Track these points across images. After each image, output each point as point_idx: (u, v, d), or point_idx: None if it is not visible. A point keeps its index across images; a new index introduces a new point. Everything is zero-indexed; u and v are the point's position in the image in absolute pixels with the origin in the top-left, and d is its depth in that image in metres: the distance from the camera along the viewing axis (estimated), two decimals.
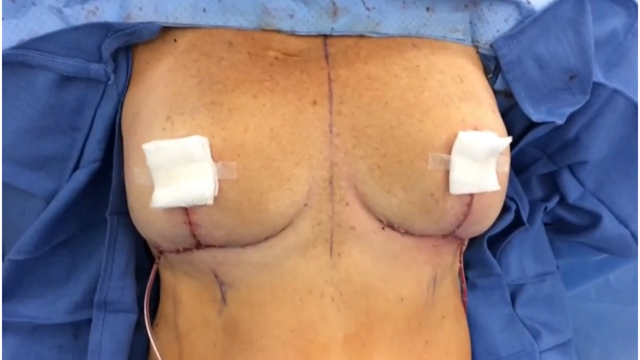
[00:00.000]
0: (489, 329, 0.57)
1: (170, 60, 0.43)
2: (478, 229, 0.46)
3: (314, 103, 0.43)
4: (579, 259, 0.71)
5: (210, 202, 0.39)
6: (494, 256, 0.57)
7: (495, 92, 0.49)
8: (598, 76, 0.50)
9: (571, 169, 0.58)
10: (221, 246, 0.43)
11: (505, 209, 0.55)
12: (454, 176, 0.41)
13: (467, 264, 0.57)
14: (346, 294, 0.43)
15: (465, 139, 0.41)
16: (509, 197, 0.56)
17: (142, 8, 0.43)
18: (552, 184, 0.60)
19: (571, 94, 0.50)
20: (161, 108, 0.41)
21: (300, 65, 0.44)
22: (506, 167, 0.45)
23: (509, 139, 0.43)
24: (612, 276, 0.76)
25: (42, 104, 0.45)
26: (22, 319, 0.51)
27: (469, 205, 0.43)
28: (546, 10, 0.47)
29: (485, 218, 0.45)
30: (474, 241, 0.55)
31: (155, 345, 0.48)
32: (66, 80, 0.44)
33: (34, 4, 0.43)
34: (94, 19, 0.43)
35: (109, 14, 0.43)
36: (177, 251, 0.44)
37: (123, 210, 0.48)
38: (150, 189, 0.40)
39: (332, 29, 0.44)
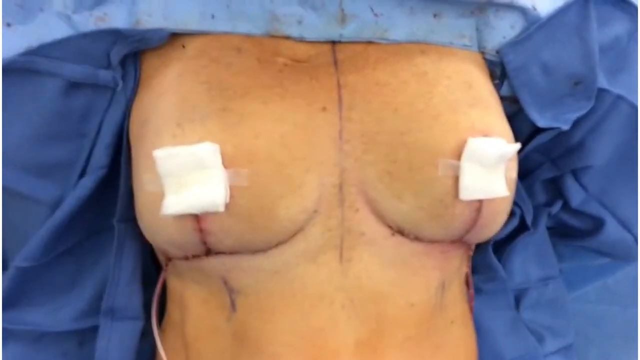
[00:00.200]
0: (494, 333, 0.58)
1: (179, 66, 0.43)
2: (486, 234, 0.46)
3: (324, 109, 0.43)
4: (580, 262, 0.72)
5: (222, 209, 0.39)
6: (499, 261, 0.57)
7: (501, 98, 0.49)
8: (602, 82, 0.50)
9: (574, 173, 0.58)
10: (231, 253, 0.43)
11: (510, 214, 0.55)
12: (463, 182, 0.41)
13: (472, 269, 0.57)
14: (356, 300, 0.43)
15: (475, 145, 0.41)
16: (513, 203, 0.56)
17: (152, 14, 0.43)
18: (555, 189, 0.60)
19: (576, 99, 0.50)
20: (171, 114, 0.41)
21: (309, 71, 0.44)
22: (514, 173, 0.45)
23: (518, 145, 0.43)
24: (610, 279, 0.77)
25: (49, 111, 0.45)
26: (26, 326, 0.51)
27: (478, 211, 0.43)
28: (551, 17, 0.47)
29: (494, 223, 0.46)
30: (479, 246, 0.55)
31: (164, 352, 0.48)
32: (74, 86, 0.44)
33: (41, 10, 0.43)
34: (103, 25, 0.43)
35: (117, 21, 0.43)
36: (186, 258, 0.44)
37: (130, 217, 0.48)
38: (160, 195, 0.40)
39: (341, 35, 0.44)
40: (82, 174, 0.48)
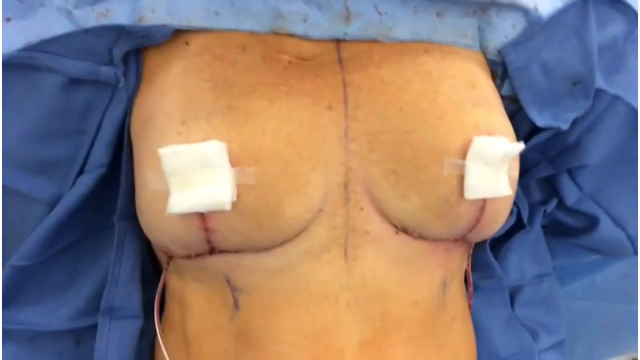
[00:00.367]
0: (490, 330, 0.58)
1: (182, 63, 0.43)
2: (488, 232, 0.47)
3: (330, 107, 0.43)
4: (571, 259, 0.73)
5: (228, 207, 0.39)
6: (495, 258, 0.58)
7: (502, 97, 0.49)
8: (599, 82, 0.51)
9: (569, 172, 0.59)
10: (235, 252, 0.42)
11: None
12: (468, 181, 0.41)
13: (470, 267, 0.58)
14: (361, 298, 0.43)
15: (480, 144, 0.41)
16: None
17: (155, 10, 0.43)
18: (551, 187, 0.61)
19: (574, 99, 0.51)
20: (175, 112, 0.41)
21: (315, 69, 0.44)
22: (516, 172, 0.46)
23: (522, 145, 0.43)
24: (598, 276, 0.78)
25: (48, 107, 0.44)
26: (22, 326, 0.50)
27: (482, 209, 0.43)
28: (552, 18, 0.48)
29: (496, 222, 0.46)
30: (477, 244, 0.56)
31: (167, 351, 0.47)
32: (74, 83, 0.43)
33: (42, 5, 0.42)
34: (105, 21, 0.42)
35: (120, 16, 0.42)
36: (189, 256, 0.44)
37: (130, 214, 0.47)
38: (164, 194, 0.40)
39: (345, 33, 0.44)
40: (81, 172, 0.47)
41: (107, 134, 0.45)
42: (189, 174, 0.39)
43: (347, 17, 0.44)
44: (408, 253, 0.45)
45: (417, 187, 0.42)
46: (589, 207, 0.59)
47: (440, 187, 0.42)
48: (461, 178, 0.42)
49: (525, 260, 0.61)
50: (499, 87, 0.49)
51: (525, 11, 0.47)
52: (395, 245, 0.44)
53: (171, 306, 0.50)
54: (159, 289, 0.49)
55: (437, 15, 0.46)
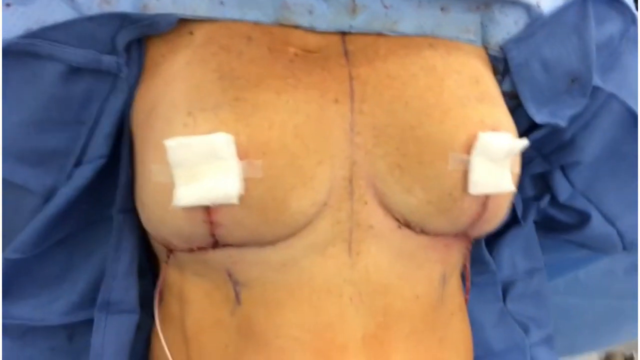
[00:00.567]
0: (482, 324, 0.59)
1: (187, 54, 0.42)
2: (489, 228, 0.47)
3: (336, 101, 0.42)
4: (558, 255, 0.74)
5: (235, 201, 0.38)
6: (489, 253, 0.59)
7: (502, 93, 0.50)
8: (595, 80, 0.52)
9: (562, 169, 0.59)
10: (238, 245, 0.42)
11: None
12: (473, 176, 0.41)
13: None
14: (365, 293, 0.43)
15: (485, 140, 0.41)
16: None
17: None
18: (543, 183, 0.61)
19: (571, 97, 0.51)
20: (181, 103, 0.40)
21: (321, 62, 0.43)
22: (517, 168, 0.46)
23: (526, 141, 0.44)
24: (581, 271, 0.79)
25: (47, 96, 0.43)
26: (14, 320, 0.49)
27: (484, 205, 0.43)
28: (553, 15, 0.48)
29: (496, 218, 0.46)
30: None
31: (167, 346, 0.46)
32: (75, 72, 0.42)
33: None
34: (108, 8, 0.41)
35: (123, 4, 0.41)
36: (191, 250, 0.43)
37: (129, 207, 0.46)
38: (169, 186, 0.39)
39: (351, 26, 0.44)
40: (77, 164, 0.46)
41: (107, 125, 0.44)
42: (196, 166, 0.38)
43: (353, 10, 0.44)
44: (410, 247, 0.45)
45: (421, 181, 0.42)
46: (581, 203, 0.60)
47: (445, 182, 0.42)
48: (465, 173, 0.42)
49: (517, 255, 0.62)
50: (499, 83, 0.49)
51: (527, 8, 0.48)
52: (398, 239, 0.44)
53: (169, 300, 0.49)
54: (159, 283, 0.48)
55: (441, 9, 0.46)
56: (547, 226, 0.64)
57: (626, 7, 0.53)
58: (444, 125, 0.42)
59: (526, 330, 0.62)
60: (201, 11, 0.42)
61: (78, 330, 0.51)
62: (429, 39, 0.46)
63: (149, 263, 0.53)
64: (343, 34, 0.45)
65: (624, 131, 0.56)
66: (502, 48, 0.48)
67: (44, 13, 0.41)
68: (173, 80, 0.41)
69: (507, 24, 0.48)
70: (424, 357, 0.45)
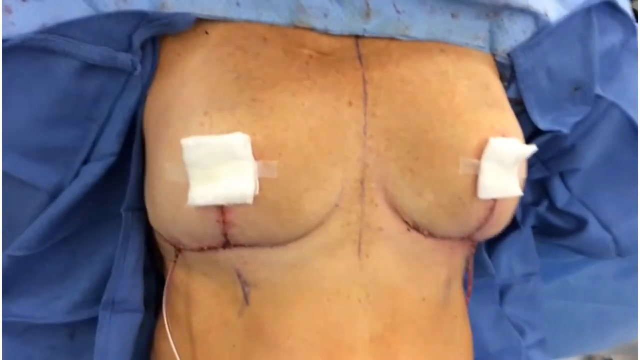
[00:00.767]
0: (479, 326, 0.60)
1: (203, 53, 0.42)
2: (493, 232, 0.48)
3: (350, 104, 0.43)
4: (552, 260, 0.75)
5: (250, 201, 0.38)
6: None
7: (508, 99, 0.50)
8: (597, 89, 0.53)
9: (561, 175, 0.60)
10: (249, 245, 0.42)
11: None
12: (483, 181, 0.42)
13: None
14: (373, 294, 0.44)
15: (496, 145, 0.42)
16: None
17: None
18: (541, 189, 0.62)
19: (574, 104, 0.52)
20: (197, 102, 0.40)
21: (335, 65, 0.44)
22: (524, 174, 0.47)
23: (535, 147, 0.45)
24: (571, 276, 0.81)
25: (60, 92, 0.42)
26: (14, 318, 0.48)
27: (492, 209, 0.44)
28: (560, 24, 0.49)
29: (502, 222, 0.47)
30: None
31: (175, 346, 0.46)
32: (88, 68, 0.42)
33: None
34: (124, 6, 0.41)
35: (141, 2, 0.41)
36: (201, 249, 0.43)
37: (138, 206, 0.46)
38: (183, 185, 0.39)
39: (365, 30, 0.44)
40: (85, 161, 0.46)
41: (118, 123, 0.44)
42: (212, 166, 0.38)
43: (367, 14, 0.44)
44: (417, 250, 0.45)
45: (432, 184, 0.43)
46: (578, 209, 0.61)
47: (455, 186, 0.43)
48: (475, 177, 0.42)
49: (515, 259, 0.63)
50: (505, 89, 0.50)
51: (536, 16, 0.48)
52: (406, 242, 0.45)
53: (175, 300, 0.49)
54: (167, 282, 0.48)
55: (452, 16, 0.47)
56: (545, 231, 0.65)
57: (627, 18, 0.54)
58: (456, 129, 0.42)
59: (522, 332, 0.63)
60: (218, 11, 0.42)
61: (80, 329, 0.50)
62: (440, 44, 0.46)
63: (151, 262, 0.53)
64: (356, 37, 0.45)
65: (622, 139, 0.57)
66: (509, 55, 0.49)
67: (59, 9, 0.40)
68: (189, 79, 0.41)
69: (515, 32, 0.49)
70: (430, 358, 0.46)
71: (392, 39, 0.45)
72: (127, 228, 0.46)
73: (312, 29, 0.44)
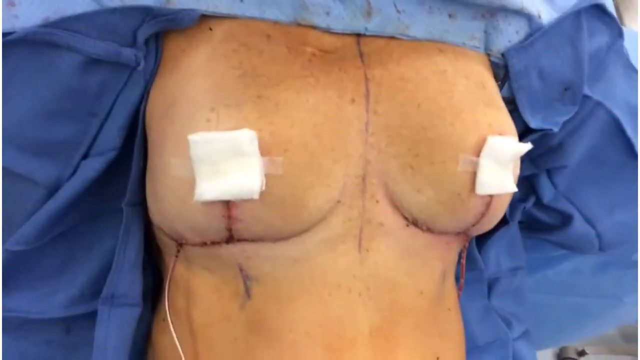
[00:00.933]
0: (468, 320, 0.61)
1: (208, 50, 0.42)
2: (487, 227, 0.49)
3: (352, 101, 0.43)
4: (533, 254, 0.77)
5: (257, 196, 0.39)
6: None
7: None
8: (585, 89, 0.54)
9: (547, 171, 0.62)
10: (252, 240, 0.43)
11: None
12: (481, 178, 0.43)
13: None
14: (373, 288, 0.45)
15: (494, 143, 0.43)
16: None
17: None
18: (528, 185, 0.64)
19: (563, 104, 0.54)
20: (203, 98, 0.40)
21: (338, 62, 0.44)
22: (518, 171, 0.48)
23: (530, 145, 0.46)
24: (550, 270, 0.83)
25: (62, 87, 0.42)
26: (10, 313, 0.48)
27: (488, 205, 0.45)
28: (552, 26, 0.51)
29: (496, 217, 0.48)
30: None
31: (177, 340, 0.46)
32: (92, 63, 0.41)
33: None
34: (130, 1, 0.41)
35: None
36: (203, 244, 0.43)
37: (138, 201, 0.46)
38: (188, 180, 0.39)
39: (366, 28, 0.45)
40: (85, 156, 0.46)
41: (121, 118, 0.44)
42: (219, 161, 0.38)
43: (369, 13, 0.45)
44: (415, 245, 0.46)
45: (432, 181, 0.44)
46: (563, 205, 0.63)
47: (454, 182, 0.44)
48: (473, 174, 0.44)
49: (502, 254, 0.65)
50: (499, 89, 0.51)
51: (529, 18, 0.50)
52: (405, 237, 0.46)
53: (174, 294, 0.49)
54: (168, 276, 0.48)
55: (449, 16, 0.48)
56: (531, 227, 0.67)
57: (614, 21, 0.56)
58: (455, 127, 0.44)
59: (509, 325, 0.65)
60: (222, 8, 0.42)
61: (76, 324, 0.50)
62: (438, 44, 0.47)
63: (147, 257, 0.53)
64: (357, 36, 0.46)
65: (607, 138, 0.59)
66: (504, 55, 0.50)
67: (63, 3, 0.40)
68: (194, 75, 0.41)
69: (509, 33, 0.50)
70: (427, 351, 0.47)
71: (392, 38, 0.46)
72: (128, 223, 0.47)
73: (314, 27, 0.44)
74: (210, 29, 0.43)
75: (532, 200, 0.64)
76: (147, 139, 0.45)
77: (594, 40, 0.55)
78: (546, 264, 0.81)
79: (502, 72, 0.51)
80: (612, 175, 0.61)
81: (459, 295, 0.56)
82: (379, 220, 0.44)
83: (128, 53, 0.42)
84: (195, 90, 0.41)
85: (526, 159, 0.61)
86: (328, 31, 0.45)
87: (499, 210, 0.48)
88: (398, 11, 0.46)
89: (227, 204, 0.39)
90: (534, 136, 0.55)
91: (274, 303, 0.44)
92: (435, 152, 0.43)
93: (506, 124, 0.46)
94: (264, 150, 0.39)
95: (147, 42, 0.43)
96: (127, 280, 0.47)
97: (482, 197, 0.45)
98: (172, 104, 0.41)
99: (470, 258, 0.60)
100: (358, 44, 0.46)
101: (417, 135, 0.44)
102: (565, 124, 0.55)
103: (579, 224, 0.63)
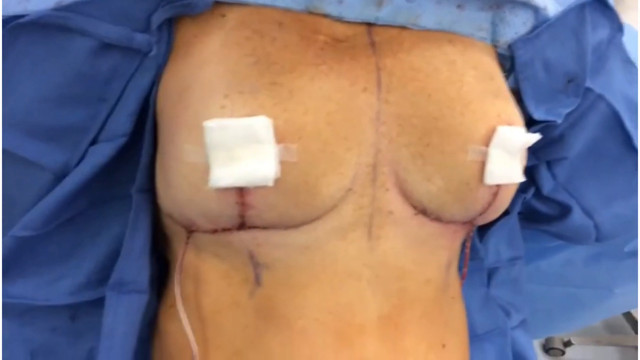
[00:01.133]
0: (469, 308, 0.62)
1: (221, 36, 0.42)
2: (493, 216, 0.50)
3: (365, 90, 0.44)
4: (537, 244, 0.78)
5: (271, 183, 0.39)
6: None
7: None
8: (587, 81, 0.55)
9: (547, 163, 0.63)
10: (264, 227, 0.43)
11: None
12: (490, 168, 0.44)
13: None
14: (381, 276, 0.45)
15: (503, 134, 0.44)
16: None
17: None
18: (529, 176, 0.65)
19: (566, 96, 0.55)
20: (217, 84, 0.40)
21: (349, 51, 0.44)
22: (524, 161, 0.49)
23: (538, 135, 0.47)
24: (543, 261, 0.84)
25: (72, 72, 0.42)
26: (12, 299, 0.48)
27: (495, 194, 0.46)
28: (557, 18, 0.51)
29: (502, 207, 0.49)
30: None
31: (188, 326, 0.46)
32: (104, 48, 0.41)
33: None
34: None
35: None
36: (214, 231, 0.43)
37: (148, 187, 0.46)
38: (202, 166, 0.39)
39: (377, 17, 0.45)
40: (94, 142, 0.45)
41: (131, 103, 0.44)
42: (234, 148, 0.38)
43: (380, 2, 0.45)
44: (423, 234, 0.47)
45: (442, 171, 0.44)
46: (562, 196, 0.64)
47: (464, 172, 0.44)
48: (482, 164, 0.44)
49: (502, 243, 0.66)
50: (505, 80, 0.52)
51: (535, 10, 0.50)
52: (414, 226, 0.46)
53: (183, 281, 0.49)
54: (179, 263, 0.48)
55: (458, 7, 0.48)
56: (530, 217, 0.68)
57: (615, 15, 0.57)
58: (465, 118, 0.44)
59: (507, 314, 0.65)
60: None
61: (82, 310, 0.50)
62: (448, 34, 0.47)
63: (154, 244, 0.53)
64: (368, 25, 0.46)
65: (607, 131, 0.60)
66: (510, 46, 0.50)
67: None
68: (208, 62, 0.41)
69: (516, 24, 0.50)
70: (433, 338, 0.47)
71: (402, 28, 0.46)
72: (137, 209, 0.46)
73: (326, 16, 0.44)
74: (223, 16, 0.43)
75: (532, 191, 0.65)
76: (158, 125, 0.45)
77: (596, 33, 0.56)
78: (540, 254, 0.82)
79: (508, 64, 0.52)
80: (611, 167, 0.62)
81: (461, 284, 0.57)
82: (388, 208, 0.45)
83: (141, 38, 0.41)
84: (208, 77, 0.41)
85: (528, 150, 0.61)
86: (340, 20, 0.45)
87: (505, 200, 0.48)
88: (408, 1, 0.46)
89: (241, 191, 0.40)
90: (536, 127, 0.55)
91: (284, 290, 0.44)
92: (446, 142, 0.44)
93: (514, 115, 0.47)
94: (279, 137, 0.39)
95: (159, 27, 0.43)
96: (136, 266, 0.47)
97: (490, 186, 0.45)
98: (185, 90, 0.41)
99: (471, 247, 0.60)
100: (369, 33, 0.46)
101: (428, 125, 0.44)
102: (566, 115, 0.56)
103: (577, 215, 0.64)
